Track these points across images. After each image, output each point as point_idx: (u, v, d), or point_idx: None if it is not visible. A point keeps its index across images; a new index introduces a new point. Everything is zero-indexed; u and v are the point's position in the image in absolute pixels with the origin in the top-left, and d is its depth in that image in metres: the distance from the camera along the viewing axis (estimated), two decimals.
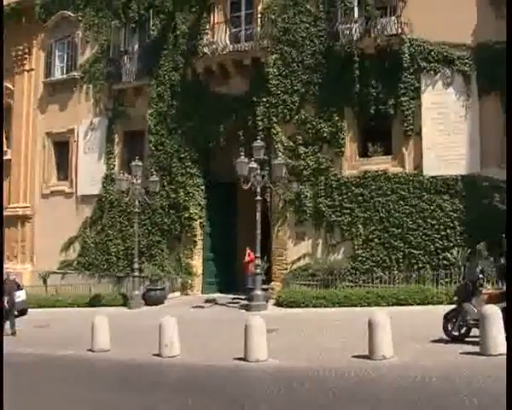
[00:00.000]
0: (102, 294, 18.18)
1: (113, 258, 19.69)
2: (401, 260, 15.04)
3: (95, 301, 17.74)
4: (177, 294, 18.18)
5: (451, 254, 14.16)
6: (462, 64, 14.75)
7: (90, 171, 20.35)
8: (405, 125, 15.20)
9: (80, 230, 20.52)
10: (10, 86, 22.43)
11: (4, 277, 14.93)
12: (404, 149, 15.33)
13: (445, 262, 14.35)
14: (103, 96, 20.44)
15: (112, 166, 20.11)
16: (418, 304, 13.31)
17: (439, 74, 14.97)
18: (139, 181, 17.42)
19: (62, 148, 21.40)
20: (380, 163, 15.62)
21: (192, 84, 18.43)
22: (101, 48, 20.63)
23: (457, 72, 14.80)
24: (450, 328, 9.37)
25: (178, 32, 18.77)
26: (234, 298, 16.63)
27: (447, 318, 9.42)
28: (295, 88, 16.75)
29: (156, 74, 19.09)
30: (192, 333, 11.66)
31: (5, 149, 22.12)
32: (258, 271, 14.82)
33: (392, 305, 13.45)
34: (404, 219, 15.11)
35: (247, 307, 14.70)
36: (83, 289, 19.20)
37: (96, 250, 20.09)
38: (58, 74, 21.79)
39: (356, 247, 15.63)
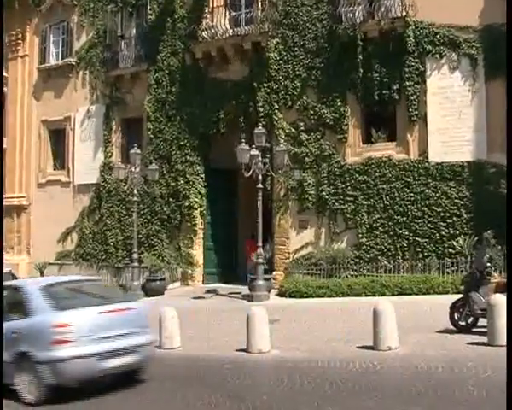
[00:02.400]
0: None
1: (111, 248, 19.68)
2: (406, 249, 15.02)
3: None
4: (178, 284, 18.20)
5: (457, 242, 14.15)
6: (468, 47, 14.63)
7: (87, 159, 20.31)
8: (410, 110, 15.10)
9: (78, 220, 20.52)
10: (4, 73, 22.30)
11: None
12: (408, 135, 15.26)
13: (450, 251, 14.32)
14: (100, 83, 20.33)
15: (109, 154, 20.04)
16: (424, 294, 13.34)
17: (444, 58, 14.86)
18: (138, 169, 17.40)
19: (58, 136, 21.33)
20: (384, 149, 15.55)
21: (191, 69, 18.33)
22: (98, 33, 20.48)
23: (463, 55, 14.68)
24: (456, 318, 9.38)
25: (177, 17, 18.62)
26: (235, 288, 16.63)
27: (454, 308, 9.43)
28: (297, 73, 16.65)
29: (154, 60, 18.96)
30: (193, 324, 11.66)
31: None
32: (260, 260, 14.82)
33: (397, 295, 13.49)
34: (409, 206, 15.07)
35: (248, 298, 14.72)
36: None
37: (93, 241, 20.09)
38: (53, 60, 21.62)
39: (360, 235, 15.60)
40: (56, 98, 21.31)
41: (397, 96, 15.26)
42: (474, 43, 14.52)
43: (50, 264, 20.29)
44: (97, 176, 20.14)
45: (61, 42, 21.55)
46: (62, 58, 21.33)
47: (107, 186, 19.97)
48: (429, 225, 14.78)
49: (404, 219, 15.10)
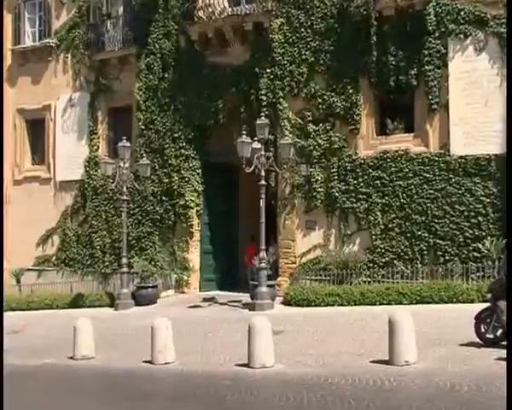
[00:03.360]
0: (85, 293, 18.21)
1: (97, 252, 19.74)
2: (425, 252, 15.02)
3: (77, 302, 17.81)
4: (172, 292, 18.27)
5: (483, 244, 14.11)
6: (497, 25, 14.51)
7: (69, 153, 20.32)
8: (430, 97, 15.06)
9: (59, 221, 20.55)
10: None
11: None
12: (428, 126, 15.22)
13: (476, 254, 14.31)
14: (84, 68, 20.36)
15: (95, 147, 20.08)
16: (445, 302, 13.32)
17: (469, 38, 14.79)
18: (127, 165, 17.39)
19: (37, 127, 21.26)
20: (400, 142, 15.54)
21: (186, 53, 18.36)
22: (80, 11, 20.47)
23: (491, 34, 14.58)
24: (483, 330, 9.29)
25: None
26: (235, 296, 16.67)
27: (479, 318, 9.34)
28: (304, 57, 16.66)
29: (145, 42, 18.96)
30: (189, 336, 11.68)
31: None
32: (263, 265, 14.82)
33: (416, 303, 13.47)
34: (429, 205, 15.05)
35: (250, 306, 14.75)
36: (63, 289, 19.25)
37: (77, 244, 20.14)
38: (29, 41, 21.51)
39: (374, 237, 15.64)
40: (34, 84, 21.29)
41: (415, 82, 15.23)
42: (503, 20, 14.33)
43: (28, 270, 20.35)
44: (81, 172, 20.16)
45: (37, 20, 21.49)
46: (40, 39, 21.30)
47: (92, 183, 20.00)
48: (451, 225, 14.75)
49: (423, 218, 15.08)
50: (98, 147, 20.06)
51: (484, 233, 14.36)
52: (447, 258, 14.68)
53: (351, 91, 16.02)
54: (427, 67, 15.09)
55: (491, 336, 9.21)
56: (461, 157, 14.77)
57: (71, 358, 10.72)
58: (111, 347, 11.47)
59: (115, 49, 19.42)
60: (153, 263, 18.24)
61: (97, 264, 19.66)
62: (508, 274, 8.70)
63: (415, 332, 8.60)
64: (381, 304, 13.77)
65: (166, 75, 18.72)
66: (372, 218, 15.68)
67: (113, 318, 15.60)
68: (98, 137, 20.12)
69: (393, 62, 15.43)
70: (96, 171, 19.70)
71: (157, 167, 18.69)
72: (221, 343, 11.08)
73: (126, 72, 19.46)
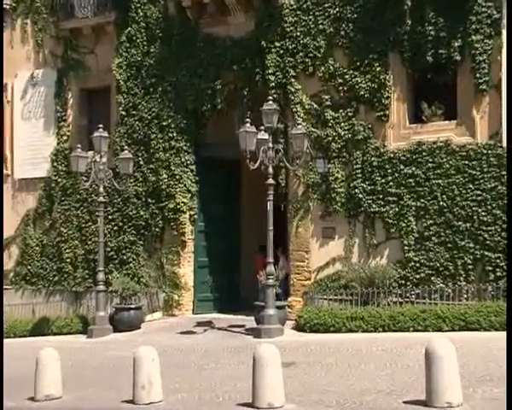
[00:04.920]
0: (52, 317, 18.15)
1: (67, 266, 19.76)
2: (471, 267, 14.94)
3: (40, 328, 17.77)
4: (159, 315, 18.34)
5: None
6: None
7: (32, 145, 20.37)
8: (477, 75, 14.95)
9: (19, 228, 20.64)
10: None
11: None
12: (474, 111, 15.12)
13: None
14: (48, 38, 20.37)
15: (64, 137, 20.15)
16: (496, 329, 13.23)
17: None
18: (104, 159, 17.41)
19: None
20: (439, 131, 15.47)
21: (176, 22, 18.43)
22: None
23: None
24: None
25: None
26: (237, 320, 16.71)
27: None
28: (320, 27, 16.64)
29: (125, 8, 19.04)
30: (179, 369, 11.60)
31: None
32: (271, 281, 14.77)
33: (459, 330, 13.43)
34: (475, 208, 14.96)
35: (255, 332, 14.74)
36: (23, 312, 19.25)
37: (42, 256, 20.17)
38: None
39: (406, 248, 15.60)
40: None
41: (459, 57, 15.12)
42: None
43: None
44: (47, 167, 20.19)
45: None
46: None
47: (61, 182, 20.03)
48: (504, 234, 14.62)
49: (468, 225, 15.00)
50: (68, 137, 20.10)
51: None
52: (498, 274, 14.56)
53: (378, 69, 15.99)
54: (474, 38, 14.94)
55: None
56: None
57: (31, 399, 10.56)
58: (83, 384, 11.32)
59: (88, 15, 19.44)
60: (136, 279, 18.28)
61: (67, 281, 19.67)
62: (507, 274, 8.58)
63: (458, 366, 8.47)
64: (415, 330, 13.72)
65: (152, 49, 18.74)
66: (404, 224, 15.64)
67: (87, 347, 15.50)
68: (68, 125, 20.15)
69: (432, 32, 15.34)
70: (66, 166, 19.67)
71: (141, 163, 18.73)
72: (219, 378, 10.96)
73: (103, 44, 19.49)
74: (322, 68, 16.59)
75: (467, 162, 15.10)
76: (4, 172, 20.85)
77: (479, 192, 14.94)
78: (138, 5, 18.89)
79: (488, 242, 14.77)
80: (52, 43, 20.26)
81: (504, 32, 14.74)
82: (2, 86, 20.94)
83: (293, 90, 16.82)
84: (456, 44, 15.08)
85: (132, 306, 17.34)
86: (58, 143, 20.12)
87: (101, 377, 11.97)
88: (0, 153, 20.21)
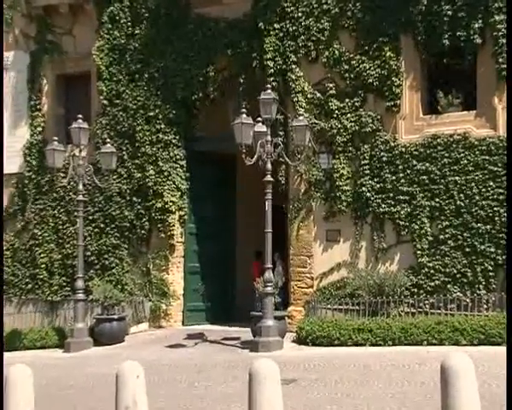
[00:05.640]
0: (24, 329, 18.10)
1: (42, 273, 19.69)
2: (491, 274, 14.95)
3: (11, 342, 17.52)
4: (145, 326, 18.34)
5: None
6: None
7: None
8: (500, 61, 14.95)
9: None
10: None
11: None
12: (496, 100, 15.12)
13: None
14: (20, 17, 20.30)
15: (39, 129, 20.13)
16: None
17: None
18: (84, 153, 17.39)
19: None
20: (457, 123, 15.49)
21: (164, 1, 18.45)
22: None
23: None
24: None
25: None
26: (231, 332, 16.70)
27: None
28: (324, 7, 16.68)
29: None
30: (167, 387, 11.59)
31: None
32: (269, 289, 14.72)
33: (478, 344, 13.42)
34: (496, 209, 14.97)
35: (251, 346, 14.71)
36: None
37: (13, 261, 20.09)
38: None
39: (419, 253, 15.62)
40: None
41: (479, 40, 15.13)
42: None
43: None
44: (19, 162, 20.19)
45: None
46: None
47: (35, 178, 20.03)
48: None
49: (489, 228, 15.01)
50: (43, 128, 20.10)
51: None
52: None
53: (388, 54, 16.01)
54: (496, 18, 14.93)
55: None
56: None
57: None
58: (58, 405, 11.20)
59: None
60: (119, 287, 18.24)
61: (41, 289, 19.60)
62: (507, 274, 8.51)
63: (478, 385, 8.34)
64: (429, 344, 13.71)
65: (138, 31, 18.77)
66: (417, 226, 15.67)
67: (63, 363, 15.41)
68: (43, 115, 20.14)
69: (449, 12, 15.35)
70: (41, 161, 19.61)
71: (125, 157, 18.74)
72: (212, 397, 10.90)
73: (82, 25, 19.50)
74: (327, 53, 16.63)
75: (487, 158, 15.11)
76: None
77: (500, 191, 14.95)
78: None
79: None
80: (24, 23, 20.25)
81: None
82: (2, 83, 20.82)
83: (293, 77, 16.85)
84: (477, 26, 15.10)
85: (115, 316, 17.26)
86: (32, 135, 20.12)
87: (80, 397, 11.85)
88: (0, 152, 20.12)
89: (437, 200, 15.50)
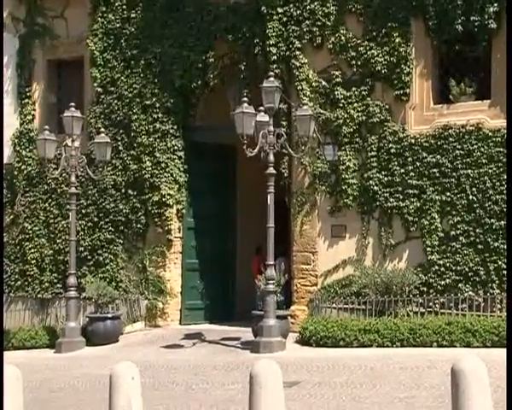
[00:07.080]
0: (13, 329, 18.16)
1: (32, 269, 19.70)
2: (505, 273, 14.79)
3: None
4: (141, 325, 18.35)
5: None
6: None
7: None
8: None
9: None
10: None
11: None
12: None
13: None
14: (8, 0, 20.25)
15: (29, 117, 20.14)
16: None
17: None
18: (77, 143, 17.32)
19: None
20: (470, 113, 15.43)
21: None
22: None
23: None
24: None
25: None
26: (231, 332, 16.70)
27: None
28: None
29: None
30: (164, 390, 11.58)
31: None
32: (271, 287, 14.71)
33: (492, 346, 13.43)
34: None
35: (252, 346, 14.73)
36: None
37: (2, 257, 19.95)
38: None
39: (429, 249, 15.58)
40: None
41: (494, 25, 15.04)
42: None
43: None
44: (8, 152, 20.22)
45: None
46: None
47: (25, 169, 20.01)
48: None
49: (503, 223, 14.93)
50: (34, 117, 20.12)
51: None
52: None
53: (398, 40, 15.95)
54: None
55: None
56: None
57: None
58: (48, 408, 11.20)
59: None
60: (114, 284, 18.28)
61: (32, 286, 19.60)
62: (507, 275, 8.48)
63: (491, 389, 8.29)
64: (439, 346, 13.75)
65: (133, 15, 18.72)
66: (427, 222, 15.63)
67: (54, 364, 15.35)
68: (33, 103, 20.15)
69: None
70: (31, 152, 19.66)
71: (121, 148, 18.72)
72: (210, 400, 10.87)
73: (74, 8, 19.46)
74: (332, 39, 16.56)
75: (501, 149, 15.02)
76: None
77: None
78: None
79: None
80: (12, 5, 20.23)
81: None
82: (2, 82, 20.82)
83: (297, 64, 16.79)
84: (491, 10, 15.01)
85: (109, 315, 17.29)
86: (21, 124, 20.13)
87: (72, 400, 11.82)
88: (0, 151, 20.16)
89: (448, 194, 15.45)
